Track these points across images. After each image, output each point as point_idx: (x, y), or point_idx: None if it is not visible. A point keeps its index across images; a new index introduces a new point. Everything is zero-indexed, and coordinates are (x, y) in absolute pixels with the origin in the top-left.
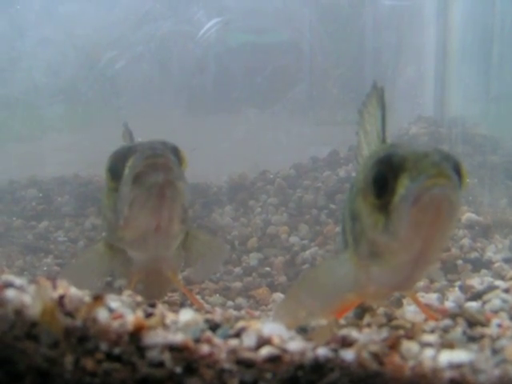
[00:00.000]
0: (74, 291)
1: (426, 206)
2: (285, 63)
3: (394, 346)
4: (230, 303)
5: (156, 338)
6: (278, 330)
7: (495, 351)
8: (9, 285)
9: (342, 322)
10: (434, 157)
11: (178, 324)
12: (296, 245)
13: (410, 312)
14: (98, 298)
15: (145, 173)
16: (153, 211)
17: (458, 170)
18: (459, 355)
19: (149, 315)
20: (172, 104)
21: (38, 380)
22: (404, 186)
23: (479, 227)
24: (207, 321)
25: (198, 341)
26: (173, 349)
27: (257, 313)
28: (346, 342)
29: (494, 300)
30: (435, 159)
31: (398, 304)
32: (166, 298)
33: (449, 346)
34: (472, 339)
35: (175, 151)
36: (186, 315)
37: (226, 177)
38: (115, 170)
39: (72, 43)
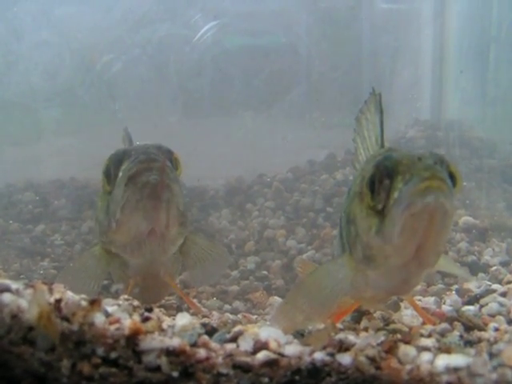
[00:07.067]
0: (70, 295)
1: (418, 210)
2: (282, 66)
3: (391, 350)
4: (227, 307)
5: (153, 342)
6: (274, 334)
7: (492, 355)
8: (5, 289)
9: (339, 325)
10: (427, 160)
11: (175, 328)
12: (293, 248)
13: (407, 316)
14: (94, 303)
15: (137, 175)
16: (146, 214)
17: (452, 173)
18: (456, 359)
19: (145, 319)
20: (169, 107)
21: None
22: (397, 189)
23: (476, 230)
24: (204, 325)
25: (194, 345)
26: (169, 353)
27: (254, 316)
28: (343, 346)
29: (491, 304)
30: (428, 162)
31: (396, 308)
32: (163, 302)
33: (446, 350)
34: (469, 343)
35: (170, 155)
36: (183, 319)
37: (223, 180)
38: (110, 174)
39: (69, 46)
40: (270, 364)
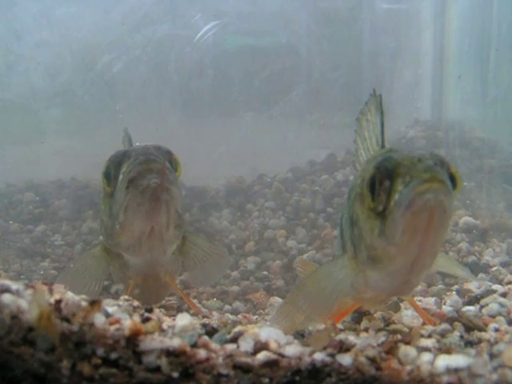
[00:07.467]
0: (70, 296)
1: (418, 211)
2: (282, 66)
3: (391, 350)
4: (227, 307)
5: (153, 342)
6: (275, 335)
7: (493, 356)
8: (5, 290)
9: (340, 326)
10: (427, 161)
11: (175, 329)
12: (293, 248)
13: (407, 316)
14: (94, 303)
15: (138, 178)
16: (147, 215)
17: (452, 175)
18: (457, 360)
19: (145, 320)
20: (169, 107)
21: None
22: (398, 191)
23: (477, 231)
24: (204, 325)
25: (194, 346)
26: (169, 354)
27: (254, 317)
28: (344, 347)
29: (492, 304)
30: (429, 164)
31: (396, 308)
32: (164, 302)
33: (446, 350)
34: (470, 344)
35: (169, 156)
36: (183, 320)
37: (223, 180)
38: (110, 176)
39: (69, 46)
40: (270, 364)
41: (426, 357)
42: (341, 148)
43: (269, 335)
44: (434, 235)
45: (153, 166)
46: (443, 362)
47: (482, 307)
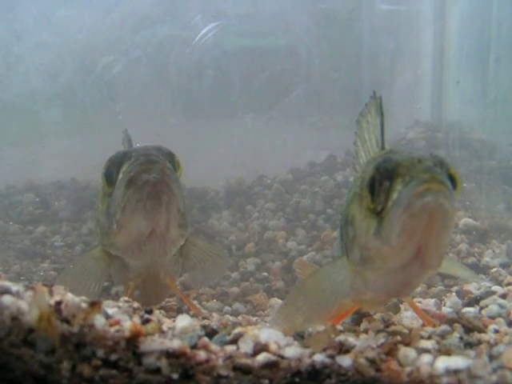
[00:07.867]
0: (70, 297)
1: (417, 210)
2: (282, 67)
3: (391, 352)
4: (227, 308)
5: (153, 344)
6: (274, 336)
7: (492, 357)
8: (5, 291)
9: (339, 327)
10: (427, 162)
11: (175, 330)
12: (293, 250)
13: (407, 318)
14: (94, 305)
15: (138, 177)
16: (146, 216)
17: (452, 176)
18: (456, 361)
19: (146, 321)
20: (169, 109)
21: None
22: (397, 191)
23: (476, 232)
24: (204, 327)
25: (194, 347)
26: (169, 355)
27: (254, 318)
28: (343, 348)
29: (492, 306)
30: (428, 165)
31: (396, 310)
32: (163, 304)
33: (446, 351)
34: (469, 345)
35: (170, 157)
36: (183, 321)
37: (223, 181)
38: (110, 175)
39: (69, 47)
40: (270, 366)
41: (426, 358)
42: (341, 149)
43: (269, 336)
44: (437, 236)
45: (153, 166)
46: (443, 363)
47: (481, 308)
